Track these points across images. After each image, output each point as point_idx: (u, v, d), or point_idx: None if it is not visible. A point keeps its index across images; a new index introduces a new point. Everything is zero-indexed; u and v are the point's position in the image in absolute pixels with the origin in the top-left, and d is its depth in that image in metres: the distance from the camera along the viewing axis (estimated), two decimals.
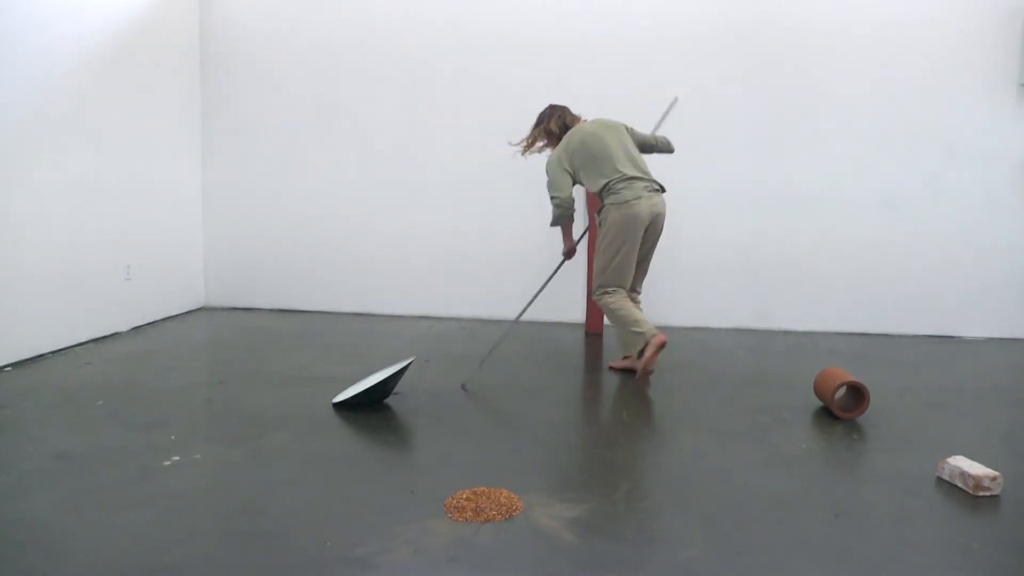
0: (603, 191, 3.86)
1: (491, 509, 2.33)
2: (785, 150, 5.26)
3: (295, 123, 5.58)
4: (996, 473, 2.54)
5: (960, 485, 2.57)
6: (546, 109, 4.14)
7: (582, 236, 4.25)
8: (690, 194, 5.26)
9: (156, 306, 5.17)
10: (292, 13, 5.51)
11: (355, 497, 2.46)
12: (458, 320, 5.39)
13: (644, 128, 4.34)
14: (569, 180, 3.92)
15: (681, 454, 2.93)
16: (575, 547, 2.14)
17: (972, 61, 5.09)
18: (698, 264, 5.38)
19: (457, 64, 5.42)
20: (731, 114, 5.26)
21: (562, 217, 3.95)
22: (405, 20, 5.42)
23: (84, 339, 4.46)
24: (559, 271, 4.35)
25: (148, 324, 5.05)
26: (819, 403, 3.54)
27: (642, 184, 3.86)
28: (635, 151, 3.99)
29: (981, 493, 2.51)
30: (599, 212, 3.91)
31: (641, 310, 4.08)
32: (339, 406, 3.37)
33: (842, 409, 3.36)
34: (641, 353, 3.79)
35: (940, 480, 2.65)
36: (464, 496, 2.41)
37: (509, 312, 5.30)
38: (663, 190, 4.00)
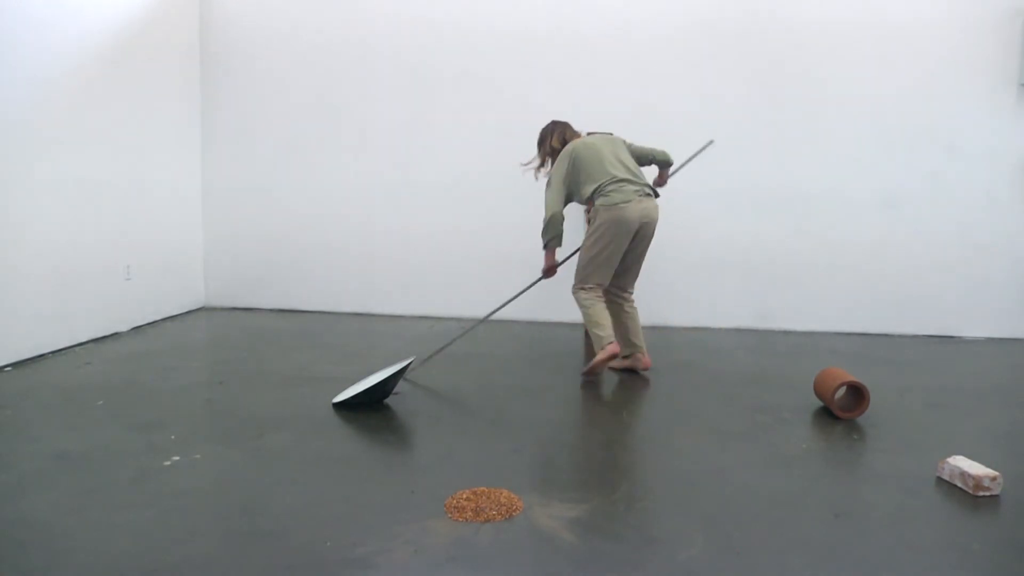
0: (594, 194, 3.86)
1: (491, 509, 2.33)
2: (785, 150, 5.26)
3: (295, 123, 5.58)
4: (996, 473, 2.54)
5: (960, 485, 2.57)
6: (548, 126, 4.18)
7: (567, 259, 4.25)
8: (690, 194, 5.26)
9: (156, 306, 5.17)
10: (292, 13, 5.51)
11: (355, 497, 2.46)
12: (458, 320, 5.39)
13: (674, 158, 4.32)
14: (563, 198, 3.95)
15: (681, 454, 2.93)
16: (575, 547, 2.14)
17: (972, 61, 5.09)
18: (698, 264, 5.38)
19: (457, 64, 5.42)
20: (731, 114, 5.26)
21: (552, 240, 3.95)
22: (405, 20, 5.42)
23: (84, 339, 4.46)
24: (535, 285, 4.35)
25: (148, 324, 5.05)
26: (819, 403, 3.54)
27: (633, 188, 3.86)
28: (628, 159, 3.99)
29: (981, 493, 2.51)
30: (589, 205, 3.90)
31: (635, 308, 4.10)
32: (339, 406, 3.37)
33: (842, 409, 3.36)
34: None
35: (940, 480, 2.65)
36: (464, 496, 2.41)
37: (509, 312, 5.30)
38: (656, 195, 4.01)
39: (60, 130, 4.23)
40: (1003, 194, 5.15)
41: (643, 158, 4.10)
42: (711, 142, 4.47)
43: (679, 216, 5.18)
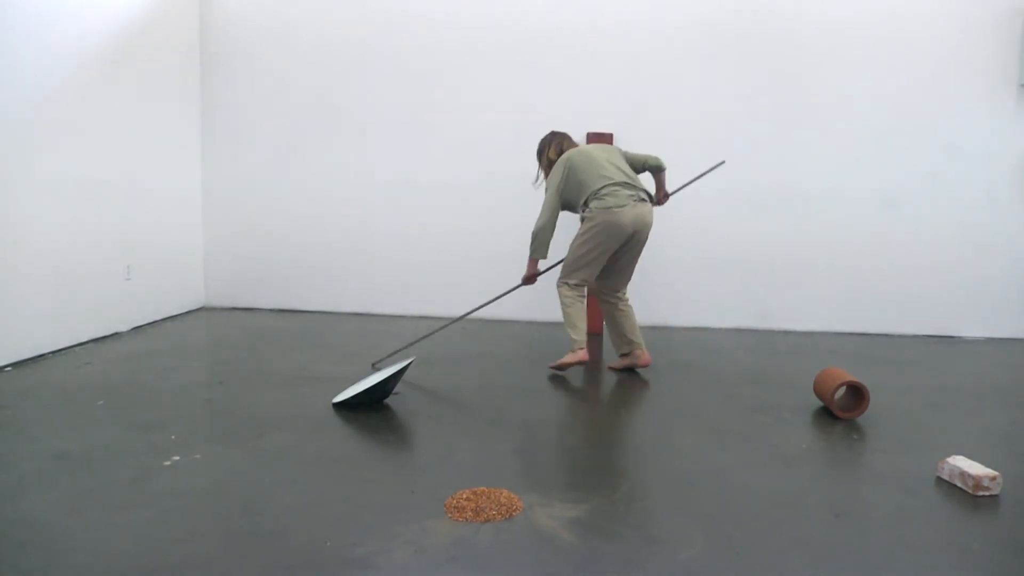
0: (590, 198, 3.88)
1: (491, 509, 2.33)
2: (785, 150, 5.27)
3: (295, 123, 5.58)
4: (996, 473, 2.54)
5: (960, 485, 2.57)
6: (546, 136, 4.22)
7: (548, 269, 4.27)
8: (690, 194, 5.25)
9: (156, 306, 5.17)
10: (292, 13, 5.51)
11: (355, 497, 2.46)
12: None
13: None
14: (556, 210, 3.98)
15: (681, 454, 2.93)
16: (575, 547, 2.14)
17: (972, 61, 5.09)
18: (698, 264, 5.38)
19: (457, 64, 5.42)
20: (731, 114, 5.26)
21: (538, 250, 4.01)
22: (405, 20, 5.43)
23: (84, 339, 4.46)
24: (514, 291, 4.44)
25: (148, 324, 5.05)
26: (819, 403, 3.54)
27: (628, 193, 3.87)
28: (625, 165, 4.01)
29: (981, 493, 2.51)
30: (584, 210, 3.91)
31: (629, 306, 4.12)
32: (339, 406, 3.37)
33: (842, 409, 3.36)
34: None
35: (940, 480, 2.65)
36: (464, 496, 2.41)
37: (509, 312, 5.31)
38: (651, 199, 4.03)
39: (60, 130, 4.23)
40: (1003, 194, 5.15)
41: (637, 165, 4.10)
42: (722, 162, 4.49)
43: (679, 216, 5.18)
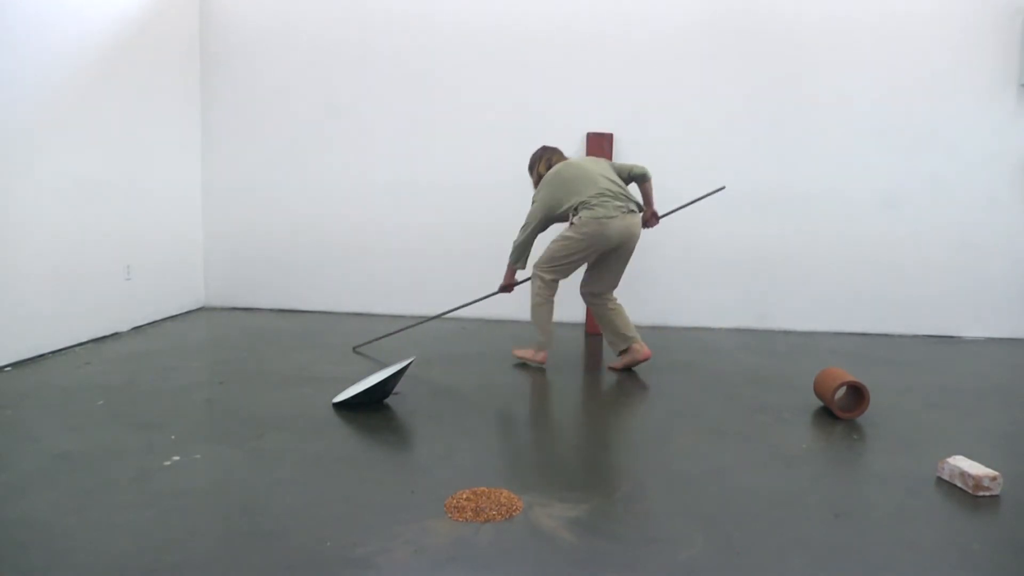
0: (580, 206, 3.91)
1: (491, 509, 2.33)
2: (785, 150, 5.27)
3: (295, 123, 5.58)
4: (996, 473, 2.54)
5: (960, 485, 2.57)
6: (537, 151, 4.29)
7: (526, 280, 4.32)
8: (690, 194, 5.26)
9: (156, 306, 5.17)
10: (292, 13, 5.51)
11: (355, 497, 2.46)
12: (459, 320, 5.39)
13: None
14: (540, 225, 4.07)
15: (681, 454, 2.93)
16: (575, 547, 2.14)
17: (972, 61, 5.09)
18: (698, 264, 5.38)
19: (457, 64, 5.42)
20: (731, 114, 5.27)
21: (518, 261, 4.14)
22: (405, 20, 5.43)
23: (84, 339, 4.46)
24: (490, 297, 4.59)
25: (148, 324, 5.05)
26: (819, 403, 3.54)
27: (617, 203, 3.91)
28: (614, 176, 4.05)
29: (981, 493, 2.51)
30: (574, 215, 3.94)
31: (619, 304, 4.15)
32: (339, 406, 3.37)
33: (842, 409, 3.36)
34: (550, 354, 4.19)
35: (940, 480, 2.65)
36: (464, 496, 2.41)
37: (509, 312, 5.31)
38: (640, 210, 4.07)
39: (60, 130, 4.23)
40: (1003, 194, 5.16)
41: (623, 175, 4.13)
42: (722, 188, 4.56)
43: (679, 216, 5.18)
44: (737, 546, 2.16)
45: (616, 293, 4.21)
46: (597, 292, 4.15)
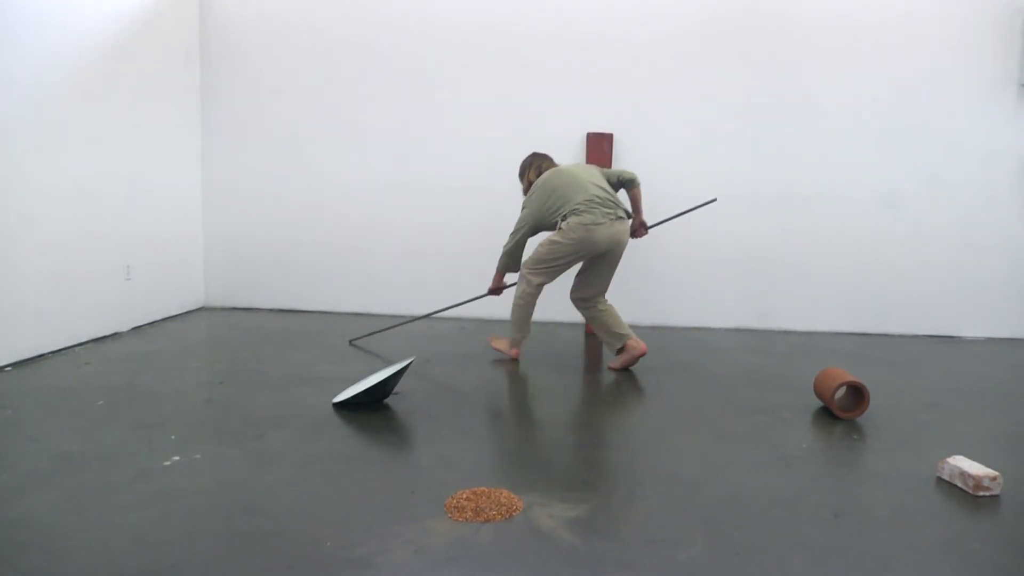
0: (568, 213, 3.96)
1: (491, 509, 2.33)
2: (785, 150, 5.27)
3: (295, 123, 5.58)
4: (996, 473, 2.54)
5: (960, 485, 2.57)
6: (527, 158, 4.34)
7: (515, 284, 4.37)
8: (690, 194, 5.26)
9: (156, 306, 5.17)
10: (292, 13, 5.51)
11: (355, 497, 2.46)
12: (458, 320, 5.39)
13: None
14: (529, 231, 4.14)
15: (681, 454, 2.93)
16: (575, 547, 2.14)
17: (972, 61, 5.09)
18: (698, 264, 5.38)
19: (457, 63, 5.41)
20: (731, 114, 5.26)
21: (509, 266, 4.23)
22: (405, 20, 5.42)
23: (84, 339, 4.46)
24: (479, 299, 4.72)
25: (148, 324, 5.05)
26: (819, 403, 3.54)
27: (605, 210, 3.95)
28: (603, 182, 4.09)
29: (981, 493, 2.51)
30: (563, 220, 3.98)
31: (608, 304, 4.19)
32: (339, 406, 3.37)
33: (842, 409, 3.36)
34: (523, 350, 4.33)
35: (940, 480, 2.65)
36: (464, 496, 2.41)
37: (509, 312, 5.30)
38: (629, 217, 4.12)
39: (60, 130, 4.23)
40: (1003, 194, 5.16)
41: (612, 181, 4.17)
42: (714, 199, 4.61)
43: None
44: (737, 546, 2.16)
45: (614, 293, 4.23)
46: (586, 297, 4.19)
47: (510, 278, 4.42)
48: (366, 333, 4.79)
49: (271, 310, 5.69)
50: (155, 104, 5.09)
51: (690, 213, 4.63)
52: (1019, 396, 3.95)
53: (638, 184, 4.19)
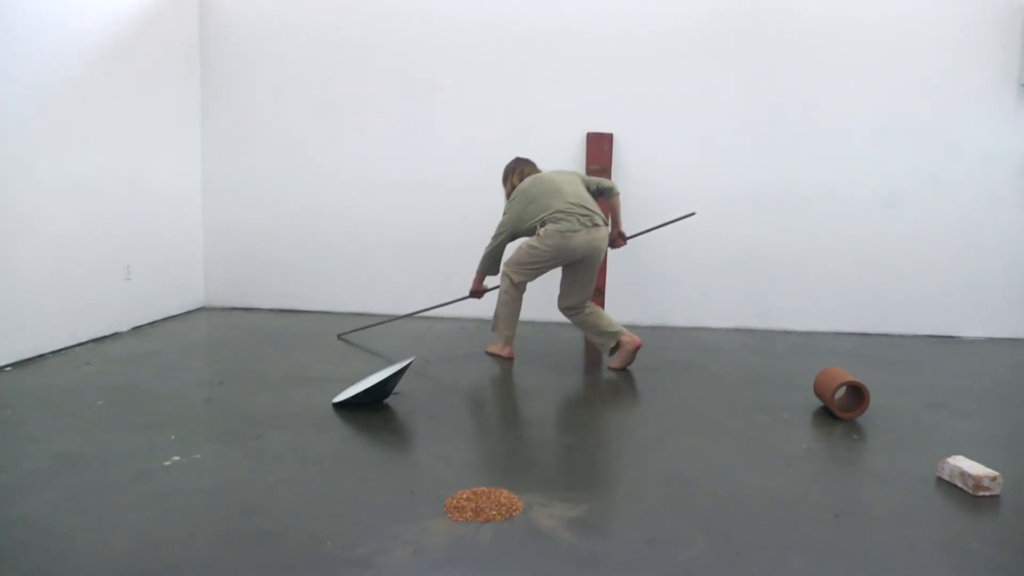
0: (546, 219, 4.04)
1: (491, 509, 2.33)
2: (785, 150, 5.27)
3: (295, 122, 5.58)
4: (996, 473, 2.54)
5: (960, 485, 2.57)
6: (510, 163, 4.41)
7: (496, 288, 4.44)
8: (690, 194, 5.26)
9: (156, 306, 5.17)
10: (292, 13, 5.51)
11: (355, 497, 2.46)
12: (458, 320, 5.39)
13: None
14: (509, 236, 4.22)
15: (681, 454, 2.93)
16: (575, 547, 2.14)
17: (972, 61, 5.09)
18: (698, 264, 5.38)
19: (458, 63, 5.41)
20: (731, 113, 5.26)
21: (489, 269, 4.33)
22: (405, 20, 5.42)
23: (84, 339, 4.46)
24: (460, 301, 4.80)
25: (148, 324, 5.04)
26: (819, 403, 3.54)
27: (581, 216, 4.02)
28: (582, 190, 4.16)
29: (981, 493, 2.51)
30: (541, 226, 4.07)
31: (594, 308, 4.22)
32: (339, 406, 3.37)
33: (842, 409, 3.36)
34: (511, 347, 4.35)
35: (940, 480, 2.65)
36: (464, 496, 2.41)
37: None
38: (606, 224, 4.18)
39: (60, 130, 4.23)
40: (1003, 194, 5.15)
41: (591, 189, 4.24)
42: (692, 213, 4.67)
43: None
44: (737, 546, 2.16)
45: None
46: (572, 305, 4.22)
47: (491, 281, 4.47)
48: (354, 328, 4.90)
49: (271, 310, 5.69)
50: (155, 104, 5.09)
51: (687, 212, 4.65)
52: (1019, 396, 3.95)
53: (617, 194, 4.29)
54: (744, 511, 2.39)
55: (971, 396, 3.80)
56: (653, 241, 5.03)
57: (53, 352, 4.21)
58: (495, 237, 4.25)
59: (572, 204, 4.04)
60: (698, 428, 3.22)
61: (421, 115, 5.47)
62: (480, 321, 5.34)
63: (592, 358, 4.52)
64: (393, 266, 5.59)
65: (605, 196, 4.27)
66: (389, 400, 3.47)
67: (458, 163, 5.47)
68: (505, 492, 2.44)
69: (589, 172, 5.22)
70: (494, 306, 4.43)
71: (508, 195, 4.34)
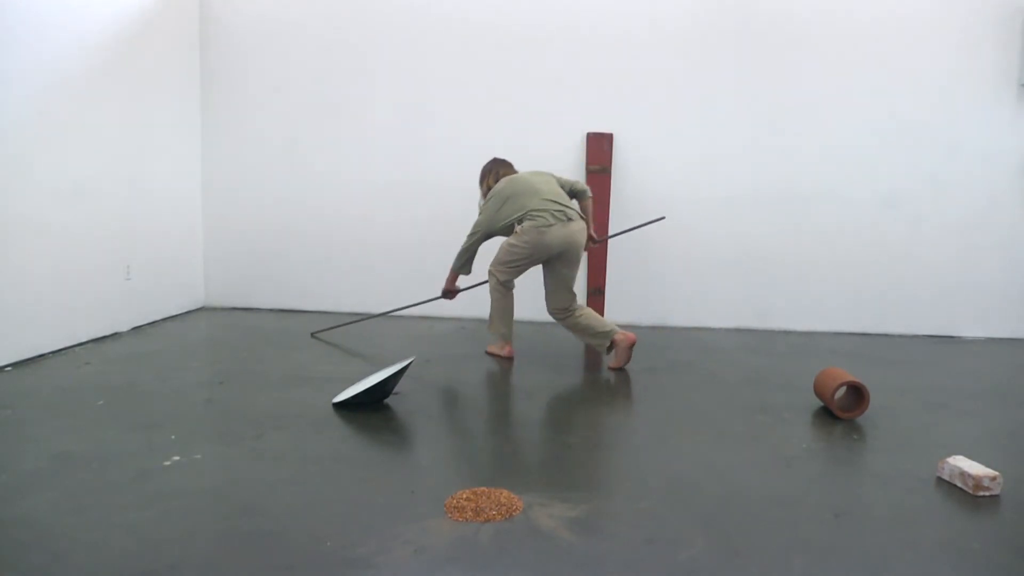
0: (523, 217, 4.09)
1: (491, 509, 2.33)
2: (785, 150, 5.26)
3: (295, 122, 5.58)
4: (996, 473, 2.54)
5: (960, 485, 2.57)
6: (487, 164, 4.47)
7: (469, 288, 4.52)
8: (690, 194, 5.27)
9: (156, 306, 5.17)
10: (292, 13, 5.51)
11: (355, 497, 2.46)
12: (458, 320, 5.39)
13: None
14: (485, 235, 4.27)
15: (681, 454, 2.93)
16: (575, 547, 2.14)
17: (972, 61, 5.09)
18: (698, 264, 5.38)
19: (458, 62, 5.41)
20: (731, 114, 5.26)
21: (463, 268, 4.37)
22: (405, 19, 5.42)
23: (84, 339, 4.46)
24: (432, 301, 4.83)
25: (148, 324, 5.04)
26: (819, 403, 3.54)
27: (556, 211, 4.07)
28: (557, 189, 4.23)
29: (981, 493, 2.51)
30: (518, 224, 4.12)
31: (583, 309, 4.22)
32: (339, 406, 3.37)
33: (842, 409, 3.36)
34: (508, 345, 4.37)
35: (940, 480, 2.65)
36: (464, 496, 2.41)
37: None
38: (583, 218, 4.22)
39: (60, 130, 4.23)
40: (1003, 194, 5.15)
41: (565, 188, 4.30)
42: (662, 217, 4.78)
43: (679, 216, 5.18)
44: (737, 546, 2.16)
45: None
46: (560, 307, 4.22)
47: (463, 282, 4.51)
48: (328, 327, 4.93)
49: (271, 310, 5.69)
50: (155, 104, 5.09)
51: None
52: (1019, 396, 3.94)
53: (589, 197, 4.36)
54: (744, 511, 2.39)
55: (971, 396, 3.80)
56: (653, 241, 5.03)
57: (53, 352, 4.21)
58: (470, 236, 4.30)
59: (546, 201, 4.11)
60: (698, 428, 3.22)
61: (421, 115, 5.47)
62: (480, 321, 5.34)
63: (592, 358, 4.52)
64: (393, 266, 5.59)
65: (578, 198, 4.33)
66: (389, 400, 3.47)
67: (458, 163, 5.46)
68: (505, 492, 2.44)
69: (589, 172, 5.24)
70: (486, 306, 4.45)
71: (484, 195, 4.38)
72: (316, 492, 2.49)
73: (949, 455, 2.71)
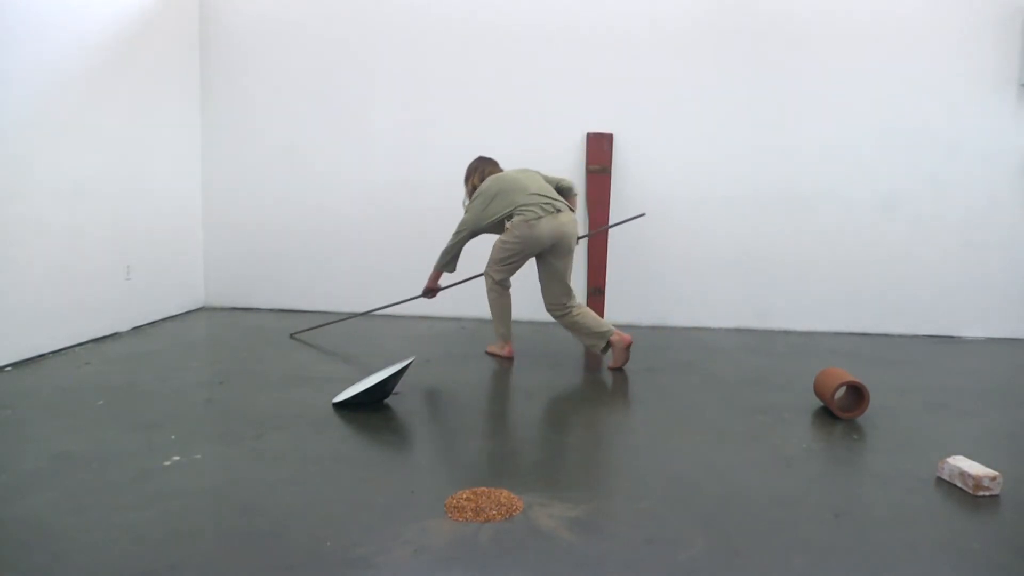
0: (513, 212, 4.10)
1: (491, 509, 2.33)
2: (785, 150, 5.26)
3: (295, 122, 5.58)
4: (996, 473, 2.54)
5: (960, 485, 2.57)
6: (473, 162, 4.48)
7: (450, 286, 4.54)
8: (690, 194, 5.27)
9: (156, 306, 5.17)
10: (292, 13, 5.51)
11: (355, 497, 2.46)
12: (458, 320, 5.39)
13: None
14: (471, 233, 4.27)
15: (681, 454, 2.93)
16: (575, 547, 2.14)
17: (972, 61, 5.09)
18: (698, 264, 5.38)
19: (458, 62, 5.41)
20: (731, 114, 5.26)
21: (447, 265, 4.35)
22: (405, 19, 5.42)
23: (84, 339, 4.46)
24: (413, 300, 4.79)
25: (148, 324, 5.04)
26: (819, 403, 3.54)
27: (543, 206, 4.08)
28: (544, 184, 4.23)
29: (981, 493, 2.51)
30: (508, 220, 4.12)
31: (581, 309, 4.20)
32: (339, 406, 3.37)
33: (842, 409, 3.36)
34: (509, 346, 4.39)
35: (940, 480, 2.65)
36: (464, 496, 2.41)
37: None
38: (572, 209, 4.23)
39: (60, 130, 4.23)
40: (1003, 194, 5.15)
41: (551, 184, 4.30)
42: (642, 214, 4.79)
43: (679, 216, 5.18)
44: (737, 546, 2.16)
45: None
46: (556, 302, 4.21)
47: (445, 281, 4.51)
48: (308, 327, 4.91)
49: (271, 310, 5.69)
50: (155, 104, 5.09)
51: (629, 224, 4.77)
52: (1019, 396, 3.94)
53: (575, 194, 4.38)
54: (744, 511, 2.39)
55: (971, 396, 3.80)
56: (653, 241, 5.03)
57: (53, 352, 4.21)
58: (455, 235, 4.28)
59: (534, 195, 4.11)
60: (698, 428, 3.22)
61: (421, 115, 5.47)
62: (480, 322, 5.34)
63: (591, 358, 4.52)
64: (393, 266, 5.58)
65: (564, 195, 4.32)
66: (389, 400, 3.47)
67: (458, 163, 5.44)
68: (505, 492, 2.44)
69: (589, 172, 5.24)
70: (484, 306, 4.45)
71: (469, 194, 4.38)
72: (316, 492, 2.49)
73: (949, 455, 2.71)
